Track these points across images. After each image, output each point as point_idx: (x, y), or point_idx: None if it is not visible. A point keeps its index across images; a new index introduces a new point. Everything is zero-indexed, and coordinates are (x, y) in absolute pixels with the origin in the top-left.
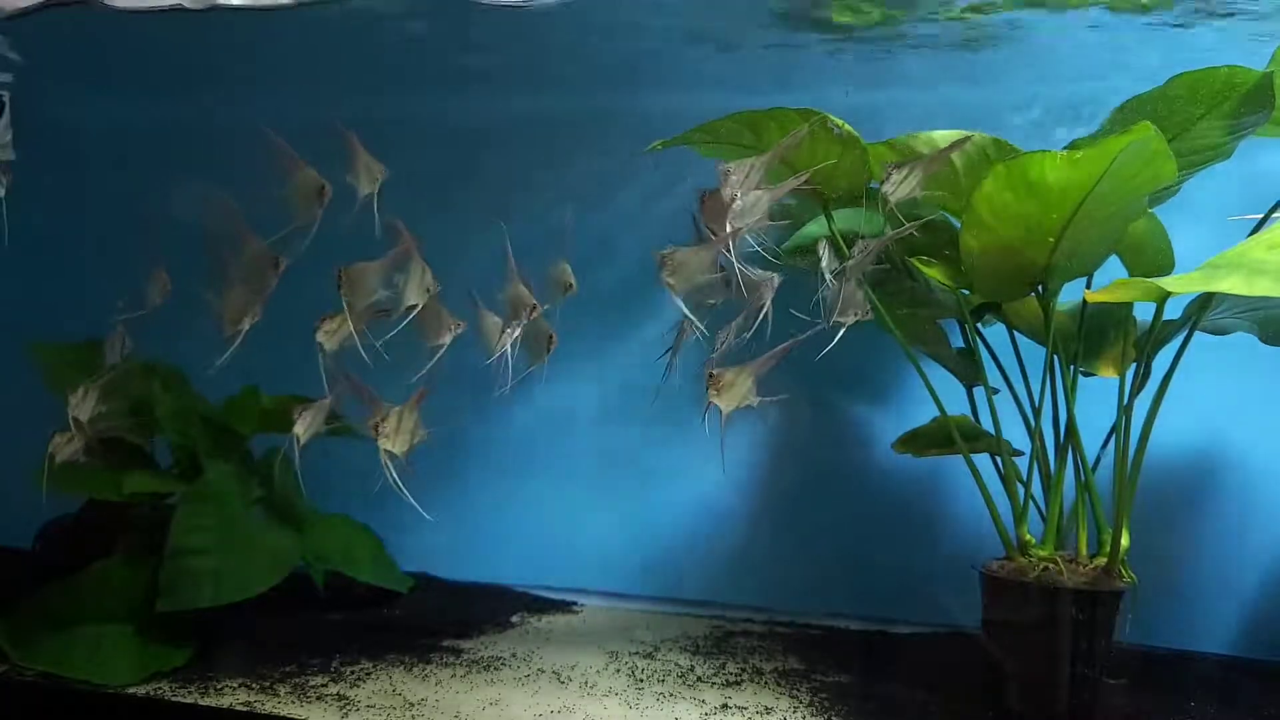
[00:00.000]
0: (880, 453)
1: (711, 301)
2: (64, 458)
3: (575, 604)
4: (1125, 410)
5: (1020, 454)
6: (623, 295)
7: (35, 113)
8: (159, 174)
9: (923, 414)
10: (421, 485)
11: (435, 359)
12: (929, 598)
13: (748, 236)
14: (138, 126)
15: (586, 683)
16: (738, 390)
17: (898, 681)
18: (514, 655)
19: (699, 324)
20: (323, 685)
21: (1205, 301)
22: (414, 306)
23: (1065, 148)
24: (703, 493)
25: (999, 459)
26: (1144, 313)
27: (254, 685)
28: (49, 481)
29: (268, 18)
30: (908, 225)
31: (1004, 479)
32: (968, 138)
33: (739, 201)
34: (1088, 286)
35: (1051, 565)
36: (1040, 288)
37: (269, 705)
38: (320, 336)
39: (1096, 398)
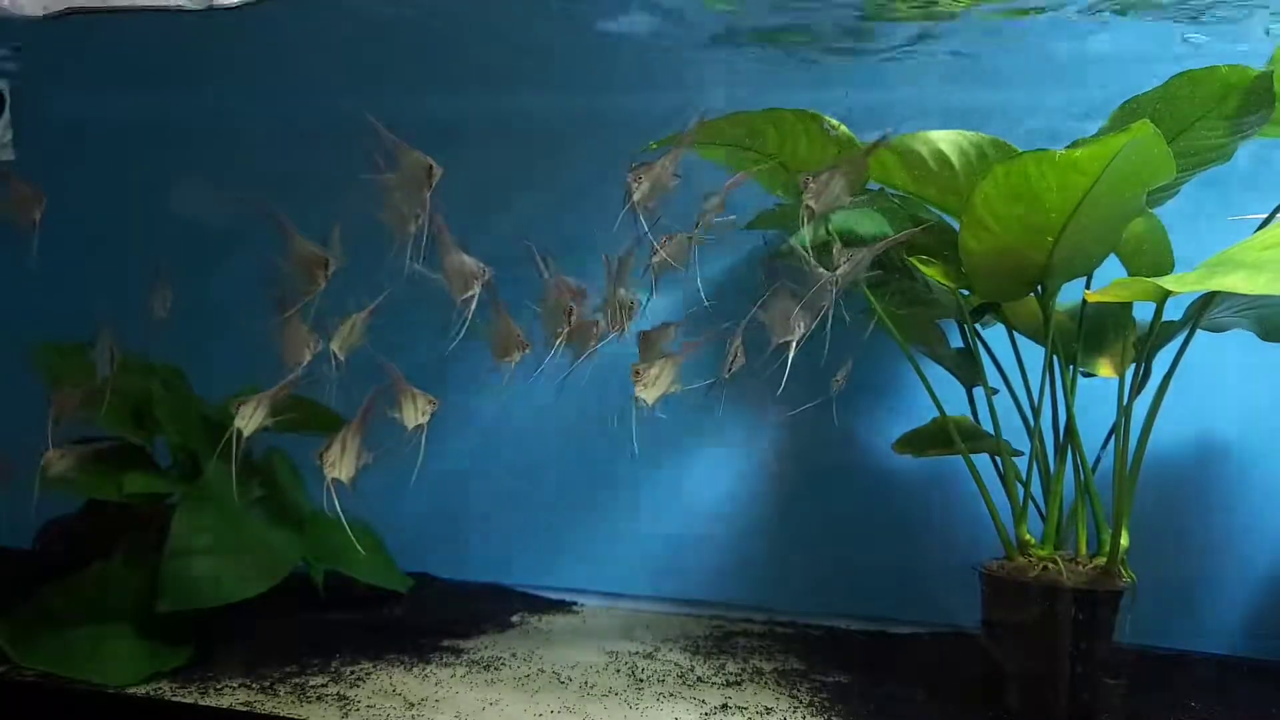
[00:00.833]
0: (880, 453)
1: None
2: (56, 474)
3: (575, 604)
4: (1125, 410)
5: (1020, 454)
6: None
7: (35, 111)
8: (158, 174)
9: (923, 414)
10: (421, 485)
11: (505, 375)
12: (929, 598)
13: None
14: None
15: (586, 683)
16: (662, 382)
17: (898, 681)
18: (514, 655)
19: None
20: (322, 685)
21: (1206, 301)
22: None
23: (1065, 147)
24: (703, 493)
25: (999, 459)
26: (1144, 313)
27: (254, 685)
28: (46, 485)
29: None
30: (894, 237)
31: (1004, 479)
32: (885, 137)
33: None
34: (1087, 286)
35: (1051, 565)
36: (1039, 288)
37: (269, 705)
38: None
39: (1096, 398)
